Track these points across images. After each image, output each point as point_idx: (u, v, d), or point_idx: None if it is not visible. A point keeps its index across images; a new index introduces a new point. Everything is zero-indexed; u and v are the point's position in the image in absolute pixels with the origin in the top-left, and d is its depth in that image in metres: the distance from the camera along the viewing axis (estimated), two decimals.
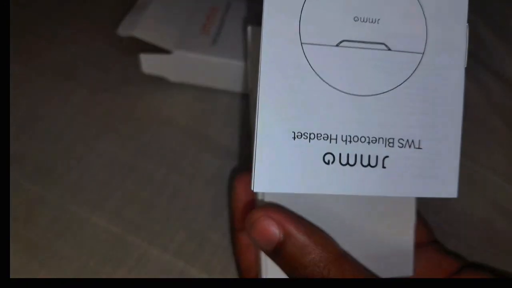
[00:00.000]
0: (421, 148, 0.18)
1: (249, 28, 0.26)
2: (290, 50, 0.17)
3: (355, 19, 0.17)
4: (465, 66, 0.18)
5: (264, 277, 0.21)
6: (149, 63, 0.32)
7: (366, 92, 0.17)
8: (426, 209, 0.24)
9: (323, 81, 0.17)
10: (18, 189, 0.27)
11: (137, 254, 0.25)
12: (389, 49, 0.17)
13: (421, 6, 0.17)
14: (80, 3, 0.38)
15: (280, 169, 0.17)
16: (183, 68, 0.32)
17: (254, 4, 0.34)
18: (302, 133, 0.17)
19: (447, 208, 0.29)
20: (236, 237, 0.24)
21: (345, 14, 0.17)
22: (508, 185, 0.30)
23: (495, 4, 0.40)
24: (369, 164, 0.17)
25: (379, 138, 0.17)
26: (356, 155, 0.17)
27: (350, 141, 0.17)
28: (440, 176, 0.18)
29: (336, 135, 0.17)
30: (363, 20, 0.17)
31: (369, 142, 0.17)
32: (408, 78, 0.17)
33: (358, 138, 0.17)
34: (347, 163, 0.17)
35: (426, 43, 0.18)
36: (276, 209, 0.19)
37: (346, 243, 0.19)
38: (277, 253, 0.19)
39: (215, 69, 0.32)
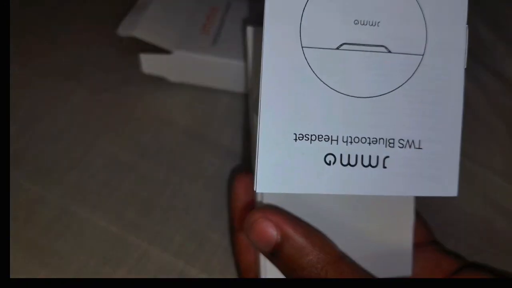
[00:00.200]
0: (421, 148, 0.18)
1: (248, 29, 0.26)
2: (291, 54, 0.17)
3: (355, 22, 0.17)
4: (465, 67, 0.18)
5: (263, 277, 0.21)
6: (149, 63, 0.32)
7: (367, 94, 0.17)
8: (425, 209, 0.24)
9: (324, 83, 0.17)
10: (18, 189, 0.27)
11: (137, 254, 0.25)
12: (389, 52, 0.17)
13: (420, 8, 0.17)
14: (80, 3, 0.38)
15: (282, 170, 0.17)
16: (183, 68, 0.32)
17: (254, 4, 0.34)
18: (304, 135, 0.17)
19: (447, 208, 0.29)
20: (236, 237, 0.24)
21: (345, 18, 0.17)
22: (508, 185, 0.30)
23: (495, 4, 0.40)
24: (370, 164, 0.18)
25: (379, 139, 0.18)
26: (357, 156, 0.18)
27: (351, 142, 0.17)
28: (440, 175, 0.18)
29: (337, 136, 0.17)
30: (363, 23, 0.17)
31: (369, 143, 0.18)
32: (408, 79, 0.18)
33: (359, 139, 0.18)
34: (348, 163, 0.17)
35: (426, 45, 0.18)
36: (274, 210, 0.19)
37: (345, 244, 0.20)
38: (275, 255, 0.19)
39: (215, 69, 0.32)
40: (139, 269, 0.25)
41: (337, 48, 0.17)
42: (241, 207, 0.24)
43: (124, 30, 0.30)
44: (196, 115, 0.32)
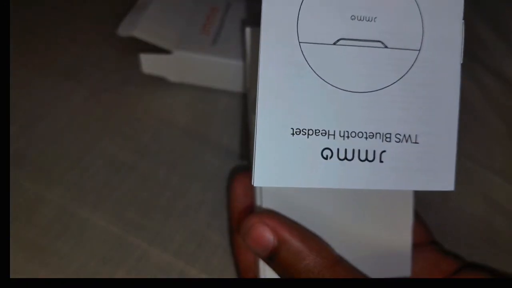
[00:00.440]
0: (418, 143, 0.18)
1: (247, 30, 0.26)
2: (289, 49, 0.17)
3: (352, 17, 0.17)
4: (461, 62, 0.18)
5: (263, 277, 0.21)
6: (149, 63, 0.32)
7: (364, 89, 0.18)
8: (425, 209, 0.24)
9: (321, 78, 0.17)
10: (18, 189, 0.27)
11: (137, 254, 0.25)
12: (386, 47, 0.18)
13: (417, 3, 0.18)
14: (80, 3, 0.38)
15: (280, 165, 0.17)
16: (183, 68, 0.32)
17: (254, 4, 0.34)
18: (301, 130, 0.17)
19: (446, 208, 0.29)
20: (235, 237, 0.24)
21: (342, 13, 0.17)
22: (508, 185, 0.30)
23: (495, 4, 0.40)
24: (366, 159, 0.18)
25: (376, 133, 0.18)
26: (353, 150, 0.18)
27: (348, 137, 0.18)
28: (437, 169, 0.18)
29: (334, 131, 0.17)
30: (360, 19, 0.17)
31: (366, 137, 0.18)
32: (405, 74, 0.18)
33: (355, 133, 0.18)
34: (345, 158, 0.18)
35: (422, 40, 0.18)
36: (271, 215, 0.19)
37: (343, 244, 0.20)
38: (272, 259, 0.19)
39: (215, 69, 0.32)
40: (139, 269, 0.25)
41: (334, 44, 0.17)
42: (240, 207, 0.24)
43: (124, 30, 0.30)
44: (196, 115, 0.32)
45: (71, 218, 0.26)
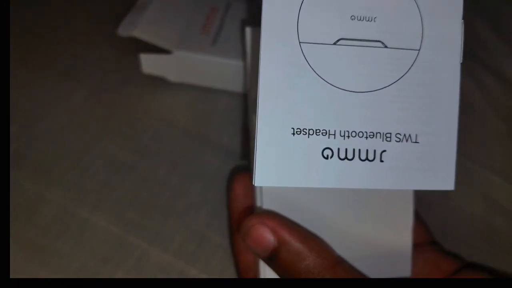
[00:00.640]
0: (418, 142, 0.18)
1: (247, 30, 0.26)
2: (289, 49, 0.17)
3: (352, 18, 0.17)
4: (461, 61, 0.18)
5: (263, 277, 0.21)
6: (149, 63, 0.32)
7: (364, 89, 0.18)
8: (425, 209, 0.24)
9: (321, 78, 0.17)
10: (18, 189, 0.27)
11: (137, 254, 0.25)
12: (386, 47, 0.18)
13: (416, 3, 0.18)
14: (80, 3, 0.38)
15: (280, 164, 0.17)
16: (183, 68, 0.32)
17: (254, 4, 0.34)
18: (301, 129, 0.17)
19: (446, 208, 0.29)
20: (235, 237, 0.24)
21: (342, 14, 0.17)
22: (508, 185, 0.30)
23: (495, 4, 0.40)
24: (367, 158, 0.18)
25: (376, 133, 0.18)
26: (354, 150, 0.18)
27: (348, 136, 0.18)
28: (437, 169, 0.18)
29: (335, 131, 0.18)
30: (360, 19, 0.17)
31: (366, 137, 0.18)
32: (405, 74, 0.18)
33: (356, 133, 0.18)
34: (346, 157, 0.18)
35: (422, 39, 0.18)
36: (271, 216, 0.19)
37: (343, 245, 0.20)
38: (272, 260, 0.19)
39: (215, 69, 0.32)
40: (139, 269, 0.25)
41: (334, 44, 0.17)
42: (240, 208, 0.24)
43: (124, 30, 0.30)
44: (196, 115, 0.32)
45: (71, 218, 0.26)
